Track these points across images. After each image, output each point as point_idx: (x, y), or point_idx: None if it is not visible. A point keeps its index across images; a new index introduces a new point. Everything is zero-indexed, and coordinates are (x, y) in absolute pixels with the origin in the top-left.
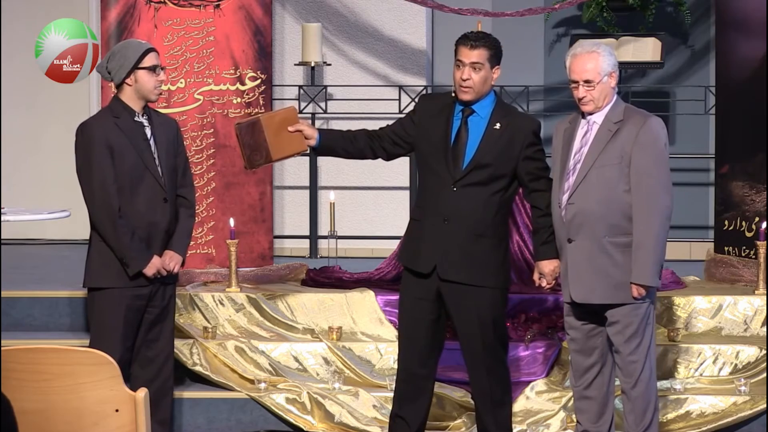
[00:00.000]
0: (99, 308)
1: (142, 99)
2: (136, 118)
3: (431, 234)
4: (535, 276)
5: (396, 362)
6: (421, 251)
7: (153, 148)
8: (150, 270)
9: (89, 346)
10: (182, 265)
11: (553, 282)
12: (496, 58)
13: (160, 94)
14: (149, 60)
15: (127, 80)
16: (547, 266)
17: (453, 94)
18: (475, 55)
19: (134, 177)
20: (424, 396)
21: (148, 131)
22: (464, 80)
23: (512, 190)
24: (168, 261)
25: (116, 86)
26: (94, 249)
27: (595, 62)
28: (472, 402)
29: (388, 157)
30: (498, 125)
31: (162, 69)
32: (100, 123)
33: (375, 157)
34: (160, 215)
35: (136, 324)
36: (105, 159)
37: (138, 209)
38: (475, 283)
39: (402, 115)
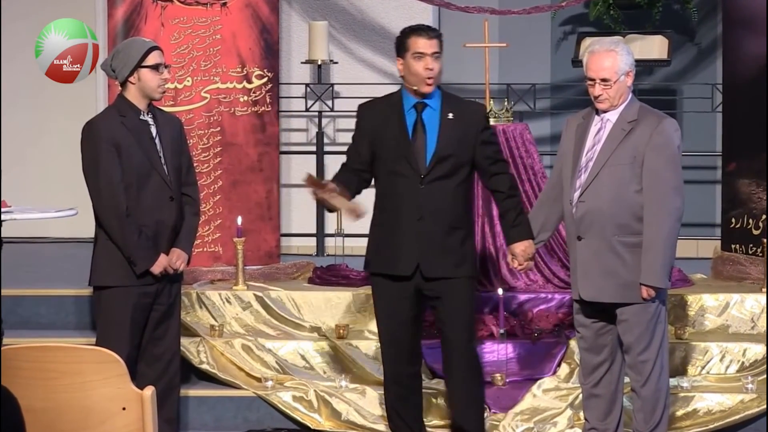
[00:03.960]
0: (105, 307)
1: (146, 97)
2: (141, 117)
3: (407, 235)
4: (508, 258)
5: None
6: (399, 254)
7: (159, 147)
8: (157, 268)
9: (96, 345)
10: (188, 263)
11: (525, 263)
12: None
13: (164, 92)
14: (152, 59)
15: (131, 78)
16: (519, 247)
17: (402, 91)
18: (435, 45)
19: (141, 176)
20: (417, 394)
21: (153, 130)
22: (431, 70)
23: (472, 179)
24: (175, 259)
25: (120, 84)
26: (100, 247)
27: (613, 61)
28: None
29: (372, 180)
30: (451, 114)
31: (166, 67)
32: (106, 121)
33: (367, 186)
34: (167, 214)
35: (142, 322)
36: (112, 158)
37: (145, 208)
38: (457, 275)
39: None
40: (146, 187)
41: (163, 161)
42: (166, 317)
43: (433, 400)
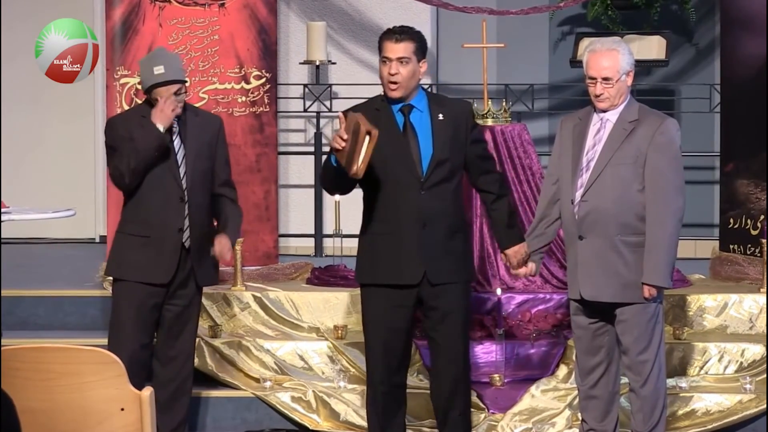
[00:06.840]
0: (115, 299)
1: None
2: None
3: (410, 243)
4: (503, 261)
5: None
6: (403, 264)
7: (177, 148)
8: (162, 120)
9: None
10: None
11: (523, 269)
12: (421, 51)
13: (180, 112)
14: (156, 93)
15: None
16: (511, 250)
17: (383, 96)
18: (401, 49)
19: (153, 176)
20: (404, 404)
21: (174, 132)
22: (392, 75)
23: (463, 179)
24: (223, 245)
25: None
26: (114, 238)
27: (615, 60)
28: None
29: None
30: (441, 116)
31: (178, 94)
32: (125, 119)
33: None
34: (174, 215)
35: (151, 320)
36: (123, 147)
37: (151, 206)
38: (460, 280)
39: None
40: (156, 186)
41: (178, 163)
42: (182, 320)
43: (430, 402)
